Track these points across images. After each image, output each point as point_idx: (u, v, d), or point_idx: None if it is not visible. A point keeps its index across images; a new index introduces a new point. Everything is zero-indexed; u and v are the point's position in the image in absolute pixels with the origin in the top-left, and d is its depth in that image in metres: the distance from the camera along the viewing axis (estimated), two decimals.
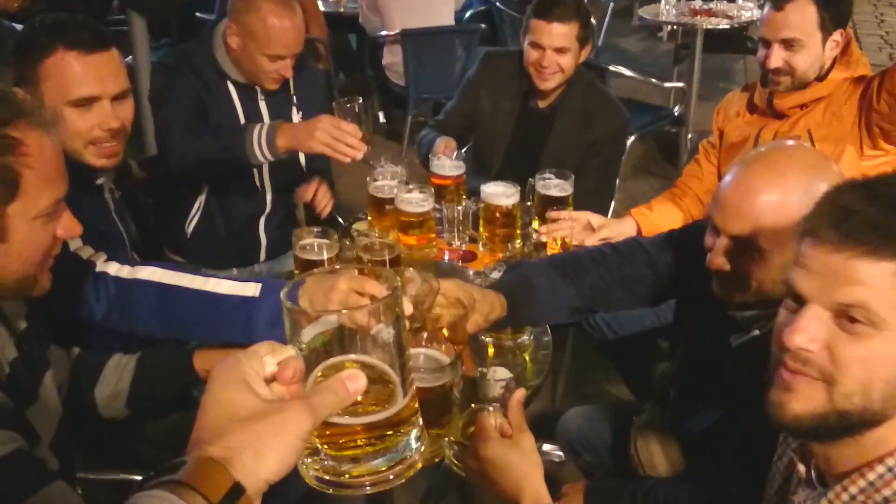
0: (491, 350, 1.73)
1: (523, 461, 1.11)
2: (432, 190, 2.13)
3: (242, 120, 2.23)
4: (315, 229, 1.89)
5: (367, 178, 2.20)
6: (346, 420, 0.71)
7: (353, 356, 0.73)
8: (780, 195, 1.26)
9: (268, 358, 0.71)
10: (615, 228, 2.18)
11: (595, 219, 2.17)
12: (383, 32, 4.35)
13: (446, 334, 1.50)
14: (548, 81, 2.47)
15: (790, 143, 1.65)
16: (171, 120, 2.14)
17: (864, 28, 7.48)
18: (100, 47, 1.60)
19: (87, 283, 1.46)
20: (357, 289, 1.18)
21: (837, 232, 0.88)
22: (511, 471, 1.11)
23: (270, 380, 0.70)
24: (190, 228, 2.36)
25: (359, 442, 0.74)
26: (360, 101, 2.01)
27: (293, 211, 2.41)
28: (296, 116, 2.30)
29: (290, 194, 2.39)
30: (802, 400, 0.91)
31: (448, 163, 2.29)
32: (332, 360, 0.73)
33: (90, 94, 1.60)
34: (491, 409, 1.17)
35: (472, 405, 1.24)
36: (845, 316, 0.88)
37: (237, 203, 2.36)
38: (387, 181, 2.17)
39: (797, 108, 2.13)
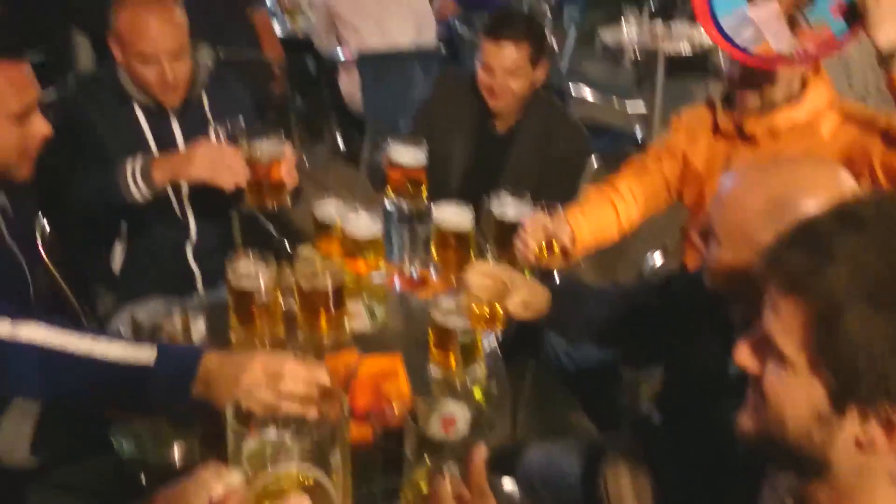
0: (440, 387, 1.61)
1: None
2: (381, 212, 2.02)
3: (153, 146, 2.09)
4: (253, 254, 1.76)
5: (313, 201, 2.08)
6: None
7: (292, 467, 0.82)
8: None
9: (214, 485, 0.78)
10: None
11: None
12: (340, 55, 4.24)
13: (487, 312, 1.60)
14: (500, 102, 2.39)
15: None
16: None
17: None
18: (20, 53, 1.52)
19: None
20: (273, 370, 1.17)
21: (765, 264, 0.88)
22: None
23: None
24: (115, 265, 2.22)
25: None
26: (240, 122, 1.91)
27: (228, 235, 2.28)
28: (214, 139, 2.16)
29: (218, 217, 2.25)
30: (746, 417, 0.94)
31: (408, 150, 2.10)
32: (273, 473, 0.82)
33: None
34: (446, 471, 1.01)
35: (427, 461, 1.09)
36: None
37: (159, 233, 2.21)
38: (333, 203, 2.05)
39: (767, 133, 1.98)
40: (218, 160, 1.83)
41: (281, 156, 1.91)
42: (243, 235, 2.25)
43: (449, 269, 1.97)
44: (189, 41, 2.05)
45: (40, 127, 1.55)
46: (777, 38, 1.82)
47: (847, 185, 1.24)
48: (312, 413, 1.21)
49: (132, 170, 1.88)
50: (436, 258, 2.02)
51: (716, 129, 2.10)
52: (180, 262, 2.25)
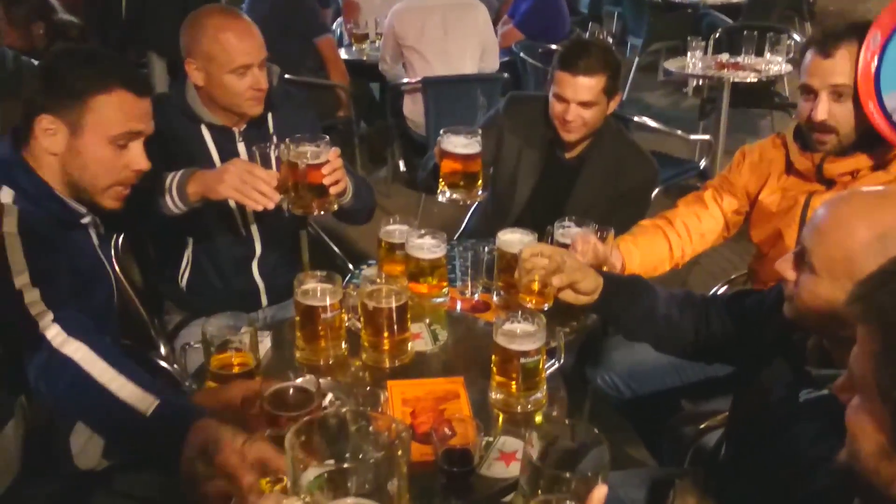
0: (500, 419, 1.61)
1: None
2: (445, 236, 2.03)
3: (218, 164, 2.13)
4: (319, 273, 1.79)
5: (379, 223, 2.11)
6: None
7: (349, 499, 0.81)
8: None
9: None
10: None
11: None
12: (405, 80, 4.31)
13: (536, 288, 1.68)
14: (572, 134, 2.38)
15: None
16: None
17: None
18: (147, 92, 1.68)
19: (28, 341, 1.41)
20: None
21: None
22: None
23: None
24: (184, 282, 2.28)
25: None
26: (275, 145, 1.93)
27: (293, 252, 2.32)
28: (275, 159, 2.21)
29: (283, 233, 2.29)
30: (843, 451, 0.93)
31: (460, 138, 2.01)
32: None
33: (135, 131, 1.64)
34: None
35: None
36: None
37: (224, 249, 2.26)
38: (398, 226, 2.08)
39: (848, 174, 1.94)
40: (248, 181, 1.85)
41: (322, 158, 1.89)
42: (310, 254, 2.29)
43: (511, 294, 1.98)
44: None
45: (138, 159, 1.64)
46: None
47: None
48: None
49: (170, 182, 1.92)
50: (498, 283, 2.03)
51: (789, 168, 2.06)
52: (246, 279, 2.30)
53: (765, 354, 1.49)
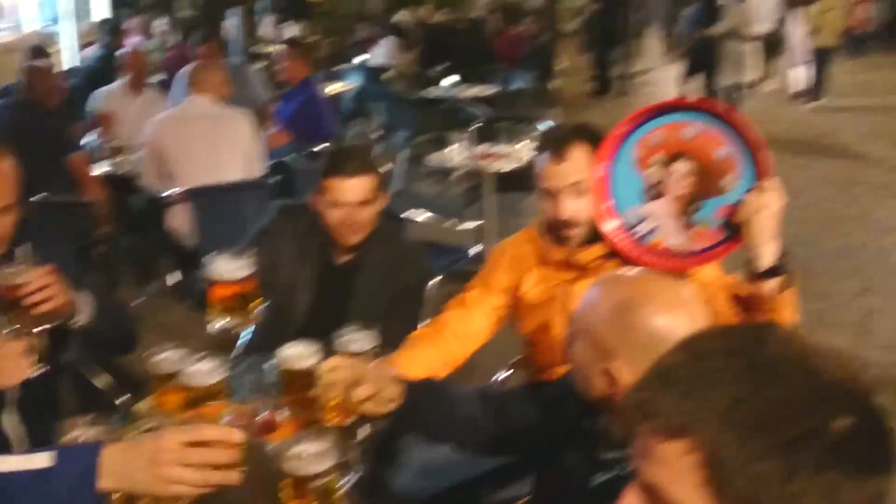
0: None
1: None
2: (224, 357, 1.93)
3: None
4: (83, 420, 1.62)
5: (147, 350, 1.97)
6: None
7: None
8: None
9: None
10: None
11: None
12: (168, 191, 4.15)
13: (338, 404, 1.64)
14: (355, 236, 2.40)
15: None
16: None
17: None
18: None
19: None
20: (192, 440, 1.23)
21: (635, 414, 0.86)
22: None
23: None
24: None
25: None
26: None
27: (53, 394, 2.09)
28: None
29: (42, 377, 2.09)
30: None
31: (228, 263, 1.93)
32: None
33: None
34: None
35: None
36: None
37: None
38: (167, 353, 1.94)
39: (599, 259, 2.08)
40: None
41: (22, 279, 1.75)
42: (71, 395, 2.08)
43: (298, 410, 1.91)
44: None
45: None
46: (671, 235, 1.96)
47: (685, 294, 1.37)
48: (236, 478, 1.30)
49: None
50: (284, 399, 1.95)
51: (544, 260, 2.18)
52: None
53: (561, 442, 1.54)
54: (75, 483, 1.23)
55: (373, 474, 2.22)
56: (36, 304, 1.76)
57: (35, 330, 1.78)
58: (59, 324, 1.87)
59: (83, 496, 1.23)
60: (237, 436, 1.33)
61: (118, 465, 1.25)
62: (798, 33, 11.91)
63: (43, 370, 1.78)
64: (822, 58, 11.55)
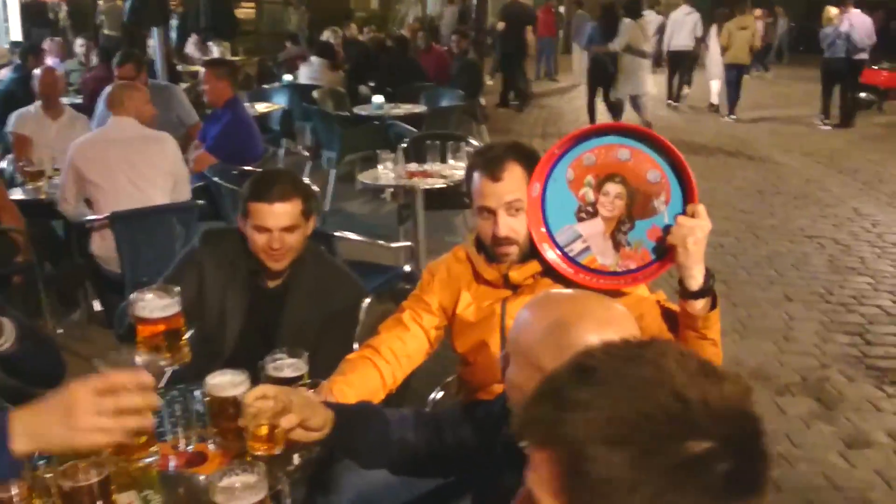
0: None
1: None
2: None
3: None
4: None
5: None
6: None
7: None
8: None
9: None
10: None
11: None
12: (90, 217, 4.02)
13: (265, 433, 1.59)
14: (280, 262, 2.37)
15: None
16: None
17: None
18: None
19: None
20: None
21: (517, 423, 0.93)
22: None
23: None
24: None
25: None
26: None
27: None
28: None
29: None
30: None
31: (155, 301, 1.88)
32: None
33: None
34: None
35: None
36: None
37: None
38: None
39: (531, 277, 2.10)
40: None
41: None
42: None
43: (229, 441, 1.86)
44: None
45: None
46: (603, 255, 2.00)
47: (618, 312, 1.39)
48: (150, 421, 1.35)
49: None
50: (213, 430, 1.90)
51: (477, 278, 2.19)
52: None
53: (497, 462, 1.54)
54: None
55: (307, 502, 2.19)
56: None
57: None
58: None
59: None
60: (147, 378, 1.34)
61: (30, 426, 1.25)
62: (714, 49, 12.40)
63: None
64: (736, 72, 12.03)
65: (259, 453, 1.62)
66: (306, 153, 7.86)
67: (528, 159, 2.09)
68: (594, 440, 0.81)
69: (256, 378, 1.96)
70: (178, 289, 1.92)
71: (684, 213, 1.86)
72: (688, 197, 1.87)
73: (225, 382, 1.87)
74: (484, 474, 1.63)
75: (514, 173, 2.07)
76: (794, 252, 6.16)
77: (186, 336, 1.96)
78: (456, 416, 1.78)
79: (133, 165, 4.03)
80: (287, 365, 1.95)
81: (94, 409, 1.27)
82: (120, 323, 2.30)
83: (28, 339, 1.92)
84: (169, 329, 1.90)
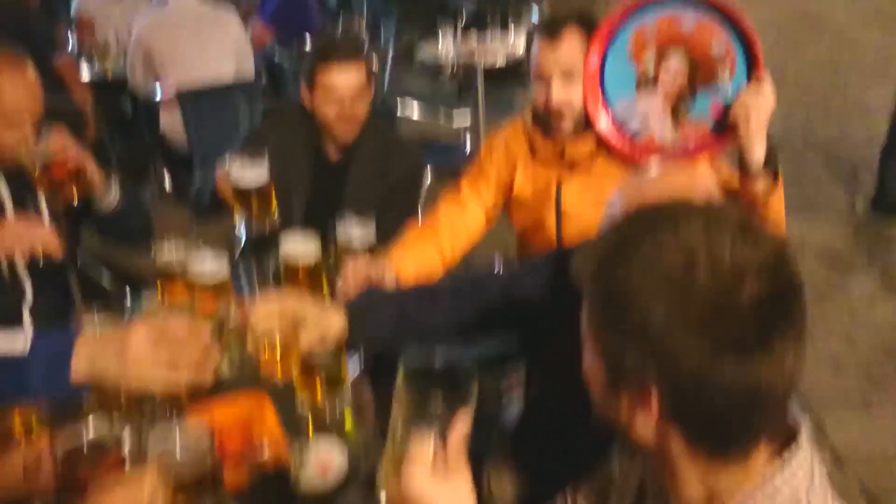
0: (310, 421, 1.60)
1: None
2: (227, 253, 1.97)
3: None
4: (96, 315, 1.68)
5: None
6: None
7: None
8: None
9: None
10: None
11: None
12: (157, 94, 4.11)
13: (278, 354, 1.47)
14: (350, 131, 2.41)
15: None
16: None
17: None
18: None
19: None
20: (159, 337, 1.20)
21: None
22: None
23: None
24: None
25: None
26: None
27: (67, 292, 2.16)
28: None
29: (56, 275, 2.14)
30: None
31: (249, 170, 1.99)
32: None
33: None
34: (429, 434, 1.00)
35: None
36: None
37: None
38: (173, 246, 1.98)
39: (588, 155, 2.07)
40: (24, 235, 1.80)
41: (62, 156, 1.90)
42: (82, 292, 2.13)
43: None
44: None
45: None
46: (661, 129, 1.94)
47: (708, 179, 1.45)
48: (207, 377, 1.25)
49: None
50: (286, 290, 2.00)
51: (534, 154, 2.16)
52: (16, 325, 2.10)
53: (554, 313, 1.55)
54: (48, 372, 1.21)
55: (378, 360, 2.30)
56: (77, 177, 1.84)
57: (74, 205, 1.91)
58: (88, 203, 1.96)
59: (57, 385, 1.20)
60: (206, 331, 1.26)
61: (91, 354, 1.21)
62: None
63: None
64: None
65: (277, 377, 1.54)
66: (364, 29, 7.75)
67: (591, 27, 2.02)
68: (639, 289, 0.86)
69: (326, 244, 2.05)
70: (266, 155, 1.99)
71: (748, 87, 1.81)
72: (753, 71, 1.81)
73: (297, 248, 1.95)
74: (538, 336, 1.66)
75: (573, 39, 2.02)
76: (865, 132, 5.94)
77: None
78: (507, 276, 1.74)
79: (198, 43, 4.08)
80: (355, 230, 2.01)
81: (146, 358, 1.22)
82: (200, 199, 2.39)
83: (127, 193, 2.03)
84: (260, 195, 2.00)
